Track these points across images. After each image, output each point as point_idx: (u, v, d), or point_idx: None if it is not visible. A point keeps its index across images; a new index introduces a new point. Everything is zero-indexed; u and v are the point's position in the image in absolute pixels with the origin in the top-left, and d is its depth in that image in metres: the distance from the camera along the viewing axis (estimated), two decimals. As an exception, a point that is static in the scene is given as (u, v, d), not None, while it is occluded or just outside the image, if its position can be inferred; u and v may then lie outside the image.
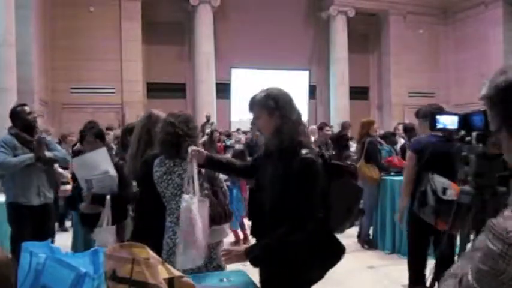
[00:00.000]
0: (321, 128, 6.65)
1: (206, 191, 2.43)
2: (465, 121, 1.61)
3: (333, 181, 1.94)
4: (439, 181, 2.82)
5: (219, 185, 2.59)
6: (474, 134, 1.57)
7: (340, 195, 1.94)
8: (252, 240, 2.10)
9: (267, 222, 1.93)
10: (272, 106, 1.93)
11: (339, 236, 2.02)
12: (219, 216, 2.45)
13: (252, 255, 1.88)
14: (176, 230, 2.55)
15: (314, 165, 1.85)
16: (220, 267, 2.46)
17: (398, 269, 3.95)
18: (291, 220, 1.83)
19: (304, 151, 1.86)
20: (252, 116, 2.01)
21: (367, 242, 5.34)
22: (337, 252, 1.99)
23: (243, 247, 1.97)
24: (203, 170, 2.49)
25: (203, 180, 2.48)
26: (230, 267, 2.28)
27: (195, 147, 2.22)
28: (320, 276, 2.00)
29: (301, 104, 14.54)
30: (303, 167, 1.84)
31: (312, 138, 6.73)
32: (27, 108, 3.82)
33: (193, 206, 2.17)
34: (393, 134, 7.09)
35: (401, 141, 7.16)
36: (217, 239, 2.56)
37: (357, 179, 2.14)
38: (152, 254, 1.62)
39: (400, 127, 8.52)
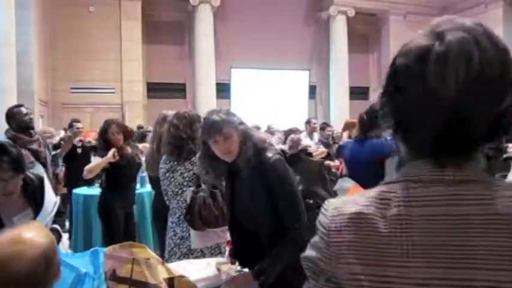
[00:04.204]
0: (322, 128, 6.85)
1: (202, 193, 2.40)
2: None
3: (295, 167, 1.95)
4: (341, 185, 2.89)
5: (220, 187, 2.48)
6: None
7: (307, 176, 1.94)
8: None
9: (260, 242, 1.84)
10: (237, 122, 1.89)
11: None
12: (214, 219, 2.38)
13: (264, 277, 1.74)
14: (177, 230, 2.56)
15: (282, 162, 1.84)
16: (220, 252, 2.50)
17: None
18: (291, 225, 1.77)
19: (268, 155, 1.83)
20: (218, 140, 1.84)
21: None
22: None
23: (248, 272, 1.82)
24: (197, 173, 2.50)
25: (201, 181, 2.48)
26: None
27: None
28: None
29: (301, 104, 14.55)
30: (275, 170, 1.81)
31: (316, 137, 6.86)
32: (23, 109, 3.78)
33: None
34: None
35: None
36: (213, 242, 2.50)
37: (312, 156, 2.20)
38: (152, 254, 1.63)
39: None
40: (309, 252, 0.73)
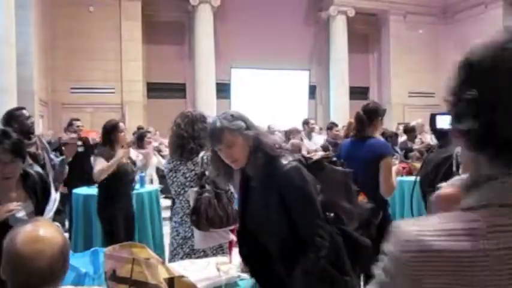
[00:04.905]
0: (330, 128, 6.91)
1: (207, 194, 2.39)
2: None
3: (318, 176, 1.76)
4: None
5: (224, 188, 2.48)
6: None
7: (330, 186, 1.76)
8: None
9: (273, 258, 1.74)
10: (243, 127, 1.73)
11: None
12: (219, 220, 2.37)
13: None
14: (180, 230, 2.57)
15: (297, 170, 1.68)
16: (223, 252, 2.50)
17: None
18: (309, 239, 1.62)
19: (283, 162, 1.68)
20: (220, 148, 1.73)
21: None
22: (362, 249, 1.71)
23: None
24: (207, 172, 2.48)
25: (205, 181, 2.48)
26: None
27: None
28: (357, 283, 1.83)
29: (301, 104, 14.54)
30: (289, 178, 1.66)
31: (321, 140, 6.88)
32: (25, 112, 3.75)
33: None
34: (396, 135, 7.14)
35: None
36: (216, 243, 2.51)
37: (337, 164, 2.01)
38: (152, 254, 1.62)
39: (401, 127, 8.57)
40: None
